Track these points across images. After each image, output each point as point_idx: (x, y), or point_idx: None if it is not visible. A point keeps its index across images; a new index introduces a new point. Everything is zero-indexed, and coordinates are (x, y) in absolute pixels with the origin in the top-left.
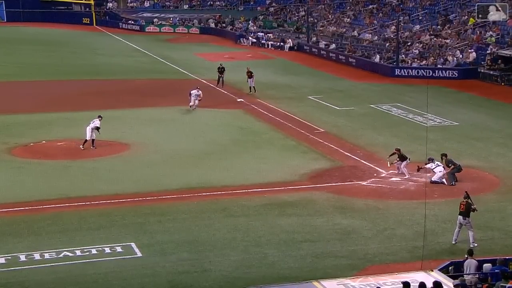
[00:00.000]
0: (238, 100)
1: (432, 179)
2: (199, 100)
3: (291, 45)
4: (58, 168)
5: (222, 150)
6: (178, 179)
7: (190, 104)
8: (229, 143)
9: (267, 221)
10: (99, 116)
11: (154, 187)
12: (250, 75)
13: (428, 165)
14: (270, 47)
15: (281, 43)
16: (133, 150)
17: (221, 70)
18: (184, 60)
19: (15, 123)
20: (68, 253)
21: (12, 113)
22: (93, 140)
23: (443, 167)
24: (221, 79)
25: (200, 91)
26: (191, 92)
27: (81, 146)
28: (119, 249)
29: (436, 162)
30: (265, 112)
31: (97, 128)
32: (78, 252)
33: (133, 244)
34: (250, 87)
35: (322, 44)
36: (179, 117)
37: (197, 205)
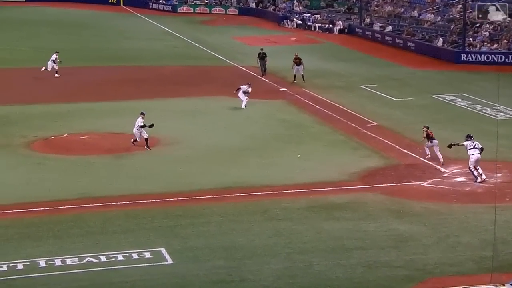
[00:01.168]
0: (281, 89)
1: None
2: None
3: (341, 27)
4: (81, 164)
5: (262, 146)
6: (213, 178)
7: (243, 105)
8: (270, 138)
9: (312, 226)
10: (142, 113)
11: (186, 186)
12: (298, 61)
13: (466, 143)
14: (317, 29)
15: (330, 26)
16: (163, 145)
17: (262, 56)
18: (221, 45)
19: (34, 114)
20: (92, 259)
21: (32, 103)
22: (146, 139)
23: (480, 150)
24: (262, 66)
25: (250, 87)
26: (242, 87)
27: (132, 141)
28: (147, 255)
29: (475, 142)
30: (311, 103)
31: (141, 127)
32: (102, 258)
33: (163, 250)
34: (294, 76)
35: (376, 26)
36: (215, 109)
37: (234, 206)
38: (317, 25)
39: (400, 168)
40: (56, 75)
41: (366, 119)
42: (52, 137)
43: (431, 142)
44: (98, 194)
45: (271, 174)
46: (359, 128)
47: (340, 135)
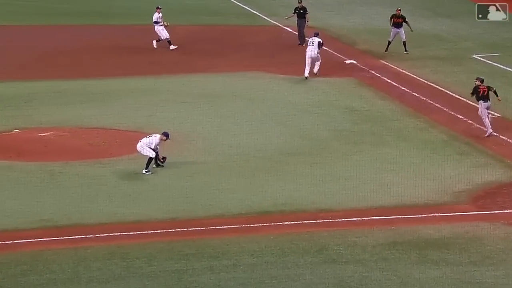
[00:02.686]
0: (348, 62)
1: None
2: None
3: None
4: (41, 176)
5: (317, 149)
6: (242, 198)
7: (306, 73)
8: (330, 137)
9: (396, 273)
10: (164, 134)
11: (201, 211)
12: (400, 21)
13: None
14: None
15: None
16: (167, 147)
17: (299, 12)
18: None
19: None
20: None
21: None
22: (154, 158)
23: None
24: (300, 31)
25: (320, 38)
26: (311, 40)
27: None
28: None
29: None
30: (395, 83)
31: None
32: None
33: None
34: (389, 43)
35: None
36: (246, 92)
37: (274, 241)
38: None
39: None
40: None
41: None
42: None
43: (485, 101)
44: (66, 222)
45: (331, 193)
46: (471, 122)
47: (440, 132)
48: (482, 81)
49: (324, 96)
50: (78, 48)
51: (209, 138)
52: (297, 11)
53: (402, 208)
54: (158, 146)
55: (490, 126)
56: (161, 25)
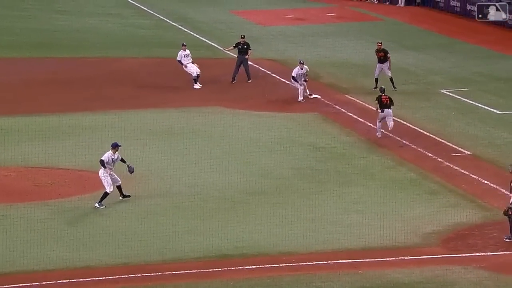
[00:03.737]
0: (312, 96)
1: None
2: (306, 81)
3: None
4: None
5: (280, 188)
6: (200, 241)
7: (300, 97)
8: (293, 176)
9: None
10: (114, 147)
11: (156, 255)
12: (383, 56)
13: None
14: None
15: None
16: (121, 187)
17: (242, 48)
18: (212, 23)
19: None
20: None
21: None
22: (118, 187)
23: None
24: (244, 66)
25: (305, 66)
26: (295, 73)
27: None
28: None
29: None
30: (360, 119)
31: (108, 163)
32: None
33: None
34: (376, 80)
35: None
36: (204, 128)
37: (235, 287)
38: None
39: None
40: None
41: (451, 144)
42: None
43: (388, 109)
44: (9, 269)
45: (295, 235)
46: (440, 159)
47: (409, 170)
48: (383, 91)
49: (286, 133)
50: (21, 82)
51: (164, 177)
52: (239, 46)
53: (369, 250)
54: (113, 159)
55: (380, 129)
56: (189, 62)
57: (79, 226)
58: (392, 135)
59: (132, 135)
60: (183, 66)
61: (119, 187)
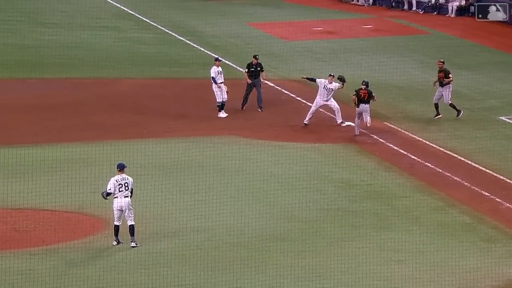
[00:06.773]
0: (344, 124)
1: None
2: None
3: (463, 3)
4: None
5: (306, 233)
6: None
7: (338, 119)
8: (321, 219)
9: None
10: (118, 167)
11: None
12: (443, 77)
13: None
14: (415, 8)
15: (440, 1)
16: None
17: (254, 70)
18: (226, 38)
19: None
20: None
21: None
22: (130, 227)
23: None
24: (257, 90)
25: (336, 83)
26: (323, 86)
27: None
28: None
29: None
30: (403, 151)
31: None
32: None
33: None
34: (436, 106)
35: None
36: (216, 161)
37: None
38: (413, 0)
39: None
40: None
41: None
42: None
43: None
44: None
45: None
46: (498, 199)
47: (461, 213)
48: (367, 84)
49: (313, 167)
50: (0, 107)
51: (169, 220)
52: (252, 68)
53: None
54: (116, 186)
55: (359, 127)
56: (220, 82)
57: (67, 279)
58: (440, 171)
59: (130, 170)
60: (215, 86)
61: (131, 228)
